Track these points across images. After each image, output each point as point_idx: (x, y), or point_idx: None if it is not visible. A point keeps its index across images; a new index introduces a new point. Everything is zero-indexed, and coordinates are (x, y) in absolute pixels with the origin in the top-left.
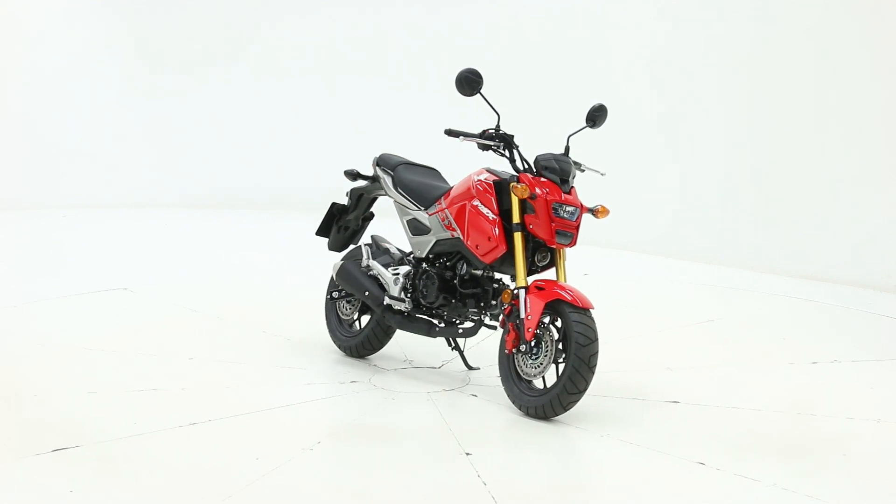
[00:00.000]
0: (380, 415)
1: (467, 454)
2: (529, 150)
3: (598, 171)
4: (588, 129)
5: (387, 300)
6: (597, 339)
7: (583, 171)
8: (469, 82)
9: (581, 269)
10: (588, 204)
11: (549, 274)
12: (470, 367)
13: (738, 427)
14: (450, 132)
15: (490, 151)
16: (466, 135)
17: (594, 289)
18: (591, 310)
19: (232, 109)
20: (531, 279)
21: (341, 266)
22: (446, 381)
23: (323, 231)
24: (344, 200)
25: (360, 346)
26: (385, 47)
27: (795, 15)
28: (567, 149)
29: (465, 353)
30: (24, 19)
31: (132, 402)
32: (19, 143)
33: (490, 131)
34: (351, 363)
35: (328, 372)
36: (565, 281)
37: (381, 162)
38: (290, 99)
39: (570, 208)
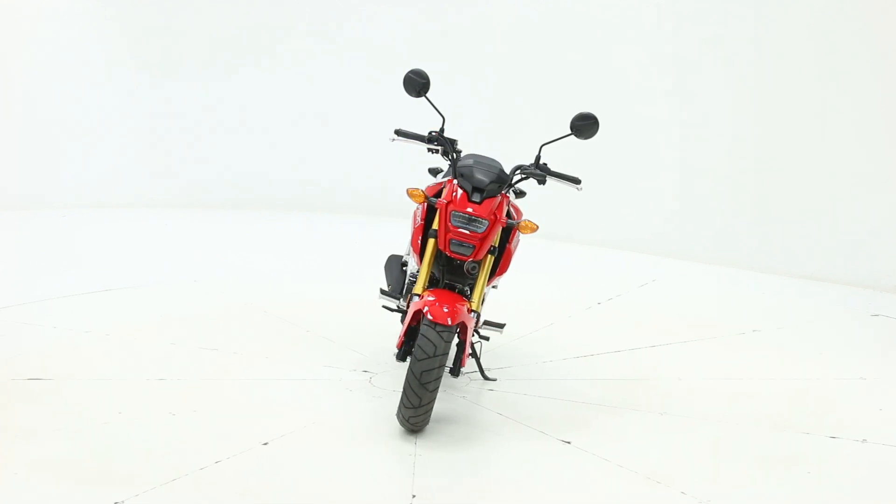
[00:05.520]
0: (285, 403)
1: (263, 444)
2: (527, 154)
3: (576, 187)
4: (574, 138)
5: (379, 295)
6: (437, 356)
7: (580, 187)
8: (412, 83)
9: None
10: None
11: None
12: (486, 378)
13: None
14: (399, 132)
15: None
16: (412, 136)
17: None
18: (445, 325)
19: (232, 109)
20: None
21: (388, 258)
22: (445, 386)
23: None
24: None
25: None
26: (387, 47)
27: (795, 14)
28: (538, 158)
29: (482, 363)
30: (24, 18)
31: (128, 354)
32: (19, 143)
33: (434, 133)
34: (389, 357)
35: (357, 359)
36: (479, 294)
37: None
38: (291, 99)
39: (472, 219)
